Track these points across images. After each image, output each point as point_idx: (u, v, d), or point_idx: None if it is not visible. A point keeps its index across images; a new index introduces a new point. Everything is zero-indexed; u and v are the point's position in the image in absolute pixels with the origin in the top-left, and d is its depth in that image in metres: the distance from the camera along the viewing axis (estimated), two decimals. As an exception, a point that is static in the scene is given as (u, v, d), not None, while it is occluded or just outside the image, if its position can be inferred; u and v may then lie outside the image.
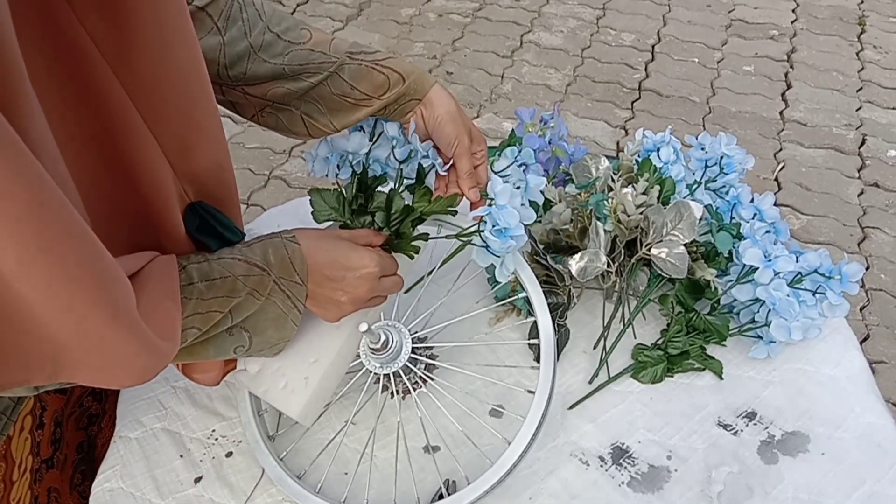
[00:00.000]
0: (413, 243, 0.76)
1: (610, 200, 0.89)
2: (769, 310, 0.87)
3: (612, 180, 0.92)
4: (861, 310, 1.98)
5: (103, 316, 0.45)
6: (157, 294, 0.54)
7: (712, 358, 0.89)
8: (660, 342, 0.91)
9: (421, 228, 0.78)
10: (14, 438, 0.73)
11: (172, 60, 0.53)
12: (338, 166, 0.80)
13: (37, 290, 0.41)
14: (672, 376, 0.89)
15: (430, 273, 0.91)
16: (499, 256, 0.78)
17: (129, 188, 0.55)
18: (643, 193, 0.89)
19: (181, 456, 0.82)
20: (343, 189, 0.76)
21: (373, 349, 0.77)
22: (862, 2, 3.21)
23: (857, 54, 2.91)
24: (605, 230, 0.88)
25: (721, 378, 0.88)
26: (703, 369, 0.89)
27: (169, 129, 0.55)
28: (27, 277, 0.41)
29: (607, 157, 0.97)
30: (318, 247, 0.67)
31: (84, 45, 0.48)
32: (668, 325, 0.91)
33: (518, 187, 0.80)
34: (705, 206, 0.93)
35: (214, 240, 0.63)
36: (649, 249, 0.87)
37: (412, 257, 0.77)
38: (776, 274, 0.87)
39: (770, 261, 0.87)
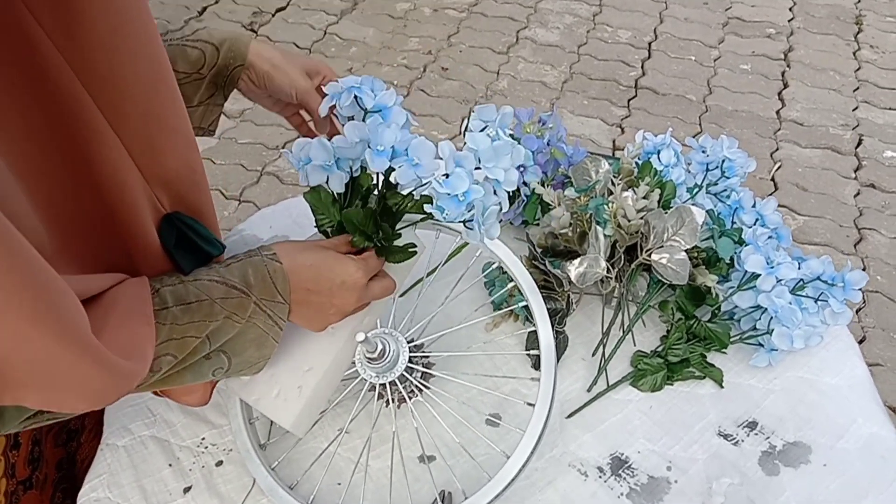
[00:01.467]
0: (400, 253, 0.73)
1: (610, 204, 0.88)
2: (771, 317, 0.86)
3: (613, 184, 0.91)
4: (857, 312, 1.97)
5: (45, 331, 0.41)
6: (127, 317, 0.51)
7: (713, 366, 0.88)
8: (660, 349, 0.89)
9: (418, 231, 0.75)
10: None
11: (128, 53, 0.50)
12: None
13: None
14: (672, 384, 0.87)
15: (430, 273, 0.89)
16: (471, 228, 0.70)
17: (94, 194, 0.52)
18: (644, 198, 0.87)
19: (170, 465, 0.80)
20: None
21: (369, 359, 0.75)
22: (859, 1, 3.20)
23: (854, 54, 2.90)
24: (604, 235, 0.87)
25: (722, 386, 0.87)
26: (704, 377, 0.88)
27: (132, 127, 0.52)
28: None
29: (606, 157, 0.95)
30: (300, 263, 0.64)
31: (37, 37, 0.44)
32: (668, 331, 0.90)
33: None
34: (707, 212, 0.91)
35: (194, 255, 0.60)
36: (650, 255, 0.86)
37: (398, 260, 0.73)
38: (778, 281, 0.85)
39: (772, 268, 0.85)
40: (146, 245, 0.57)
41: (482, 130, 0.73)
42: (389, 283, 0.72)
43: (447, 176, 0.65)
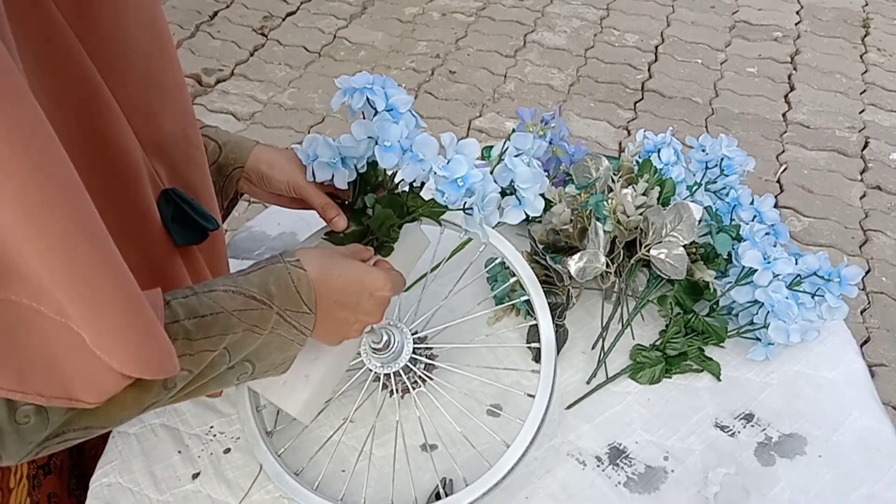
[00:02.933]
0: (415, 241, 0.76)
1: (609, 201, 0.90)
2: (768, 312, 0.87)
3: (612, 181, 0.92)
4: (862, 312, 1.98)
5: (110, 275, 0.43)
6: None
7: (710, 359, 0.89)
8: (658, 343, 0.91)
9: (423, 228, 0.78)
10: None
11: (131, 16, 0.50)
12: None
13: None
14: (670, 377, 0.89)
15: (434, 269, 0.91)
16: (470, 214, 0.73)
17: (104, 162, 0.52)
18: (643, 194, 0.89)
19: (179, 452, 0.82)
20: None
21: (374, 349, 0.77)
22: (866, 4, 3.21)
23: (861, 57, 2.91)
24: (604, 231, 0.88)
25: (719, 380, 0.89)
26: (702, 370, 0.89)
27: (130, 91, 0.52)
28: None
29: (608, 157, 0.97)
30: (327, 271, 0.62)
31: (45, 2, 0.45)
32: (667, 326, 0.92)
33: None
34: (705, 208, 0.93)
35: (189, 230, 0.60)
36: (648, 250, 0.88)
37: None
38: (775, 276, 0.87)
39: (769, 263, 0.87)
40: (148, 218, 0.57)
41: (517, 156, 0.76)
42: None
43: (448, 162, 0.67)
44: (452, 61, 2.89)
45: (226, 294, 0.57)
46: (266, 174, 0.77)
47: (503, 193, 0.74)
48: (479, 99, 2.70)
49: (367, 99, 0.71)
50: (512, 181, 0.73)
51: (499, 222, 0.75)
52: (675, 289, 0.91)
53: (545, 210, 0.99)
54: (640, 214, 0.88)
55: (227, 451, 0.82)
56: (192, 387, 0.56)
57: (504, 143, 0.76)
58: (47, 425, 0.49)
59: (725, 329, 0.90)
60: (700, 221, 0.89)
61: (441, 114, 2.63)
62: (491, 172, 0.72)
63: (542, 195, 0.95)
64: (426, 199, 0.74)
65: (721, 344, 0.90)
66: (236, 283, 0.58)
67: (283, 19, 3.13)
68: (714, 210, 0.96)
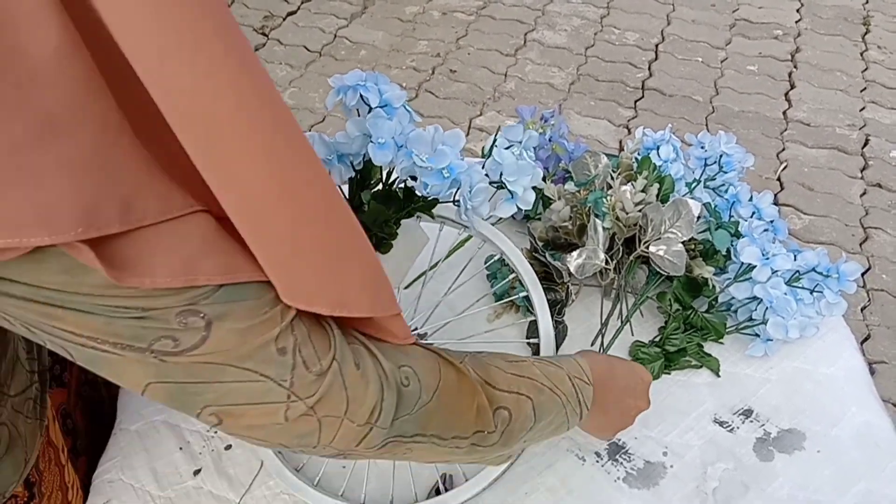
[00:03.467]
0: (414, 237, 0.76)
1: (608, 198, 0.90)
2: (766, 308, 0.87)
3: (611, 178, 0.93)
4: (862, 310, 1.98)
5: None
6: None
7: (709, 355, 0.90)
8: (657, 339, 0.91)
9: (423, 225, 0.78)
10: (50, 425, 0.73)
11: None
12: None
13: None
14: (669, 373, 0.89)
15: (433, 267, 0.91)
16: (459, 206, 0.73)
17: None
18: (642, 191, 0.90)
19: (181, 448, 0.83)
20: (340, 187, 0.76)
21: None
22: (867, 2, 3.21)
23: (862, 54, 2.91)
24: (603, 227, 0.89)
25: (718, 375, 0.89)
26: (701, 366, 0.90)
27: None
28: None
29: (607, 154, 0.97)
30: (587, 356, 0.67)
31: None
32: (666, 322, 0.92)
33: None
34: (704, 205, 0.93)
35: None
36: (647, 247, 0.88)
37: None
38: (774, 272, 0.87)
39: (768, 259, 0.87)
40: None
41: (507, 149, 0.76)
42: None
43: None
44: (453, 60, 2.90)
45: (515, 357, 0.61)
46: None
47: (499, 187, 0.74)
48: (480, 98, 2.71)
49: (361, 96, 0.71)
50: (502, 174, 0.73)
51: (491, 215, 0.75)
52: (675, 285, 0.91)
53: (545, 207, 0.99)
54: (639, 211, 0.89)
55: (229, 447, 0.83)
56: (485, 448, 0.57)
57: (494, 136, 0.76)
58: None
59: (724, 325, 0.90)
60: (699, 218, 0.89)
61: (442, 113, 2.63)
62: (483, 166, 0.72)
63: (542, 193, 0.96)
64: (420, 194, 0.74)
65: (720, 340, 0.91)
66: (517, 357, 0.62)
67: (284, 19, 3.13)
68: (713, 207, 0.96)
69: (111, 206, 0.35)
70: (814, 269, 0.88)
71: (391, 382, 0.49)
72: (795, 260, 0.88)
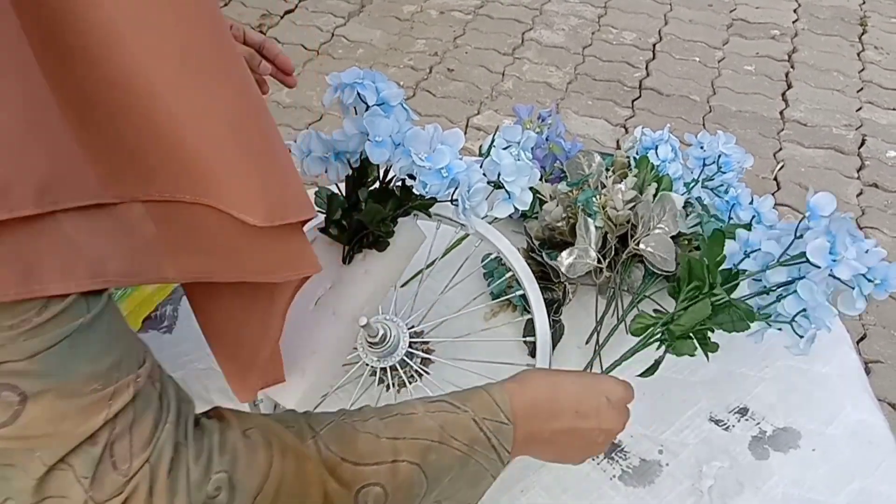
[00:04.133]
0: (411, 236, 0.76)
1: (599, 197, 0.90)
2: (803, 310, 0.77)
3: (605, 176, 0.93)
4: (858, 309, 1.98)
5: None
6: None
7: (711, 340, 0.85)
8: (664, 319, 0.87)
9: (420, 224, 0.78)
10: None
11: None
12: None
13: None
14: (662, 360, 0.87)
15: (430, 266, 0.92)
16: (457, 205, 0.73)
17: None
18: (633, 189, 0.90)
19: (178, 446, 0.83)
20: (337, 185, 0.77)
21: (371, 343, 0.77)
22: (863, 2, 3.21)
23: (858, 55, 2.91)
24: (595, 226, 0.89)
25: (707, 358, 0.85)
26: (695, 354, 0.85)
27: None
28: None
29: (602, 154, 0.97)
30: (555, 381, 0.59)
31: None
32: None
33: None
34: (696, 199, 0.93)
35: None
36: (638, 244, 0.88)
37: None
38: (834, 277, 0.74)
39: (835, 261, 0.74)
40: None
41: (505, 149, 0.76)
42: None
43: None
44: (450, 59, 2.90)
45: (408, 401, 0.53)
46: None
47: (496, 187, 0.74)
48: (478, 97, 2.71)
49: (358, 94, 0.72)
50: (500, 174, 0.73)
51: (487, 215, 0.75)
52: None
53: (539, 207, 0.99)
54: (631, 209, 0.89)
55: None
56: None
57: (493, 136, 0.76)
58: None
59: (752, 311, 0.83)
60: (689, 213, 0.89)
61: (439, 112, 2.63)
62: (481, 166, 0.73)
63: (536, 192, 0.96)
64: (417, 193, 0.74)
65: (743, 330, 0.84)
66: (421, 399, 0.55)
67: (282, 17, 3.13)
68: (701, 201, 0.95)
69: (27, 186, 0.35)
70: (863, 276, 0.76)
71: (195, 499, 0.42)
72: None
